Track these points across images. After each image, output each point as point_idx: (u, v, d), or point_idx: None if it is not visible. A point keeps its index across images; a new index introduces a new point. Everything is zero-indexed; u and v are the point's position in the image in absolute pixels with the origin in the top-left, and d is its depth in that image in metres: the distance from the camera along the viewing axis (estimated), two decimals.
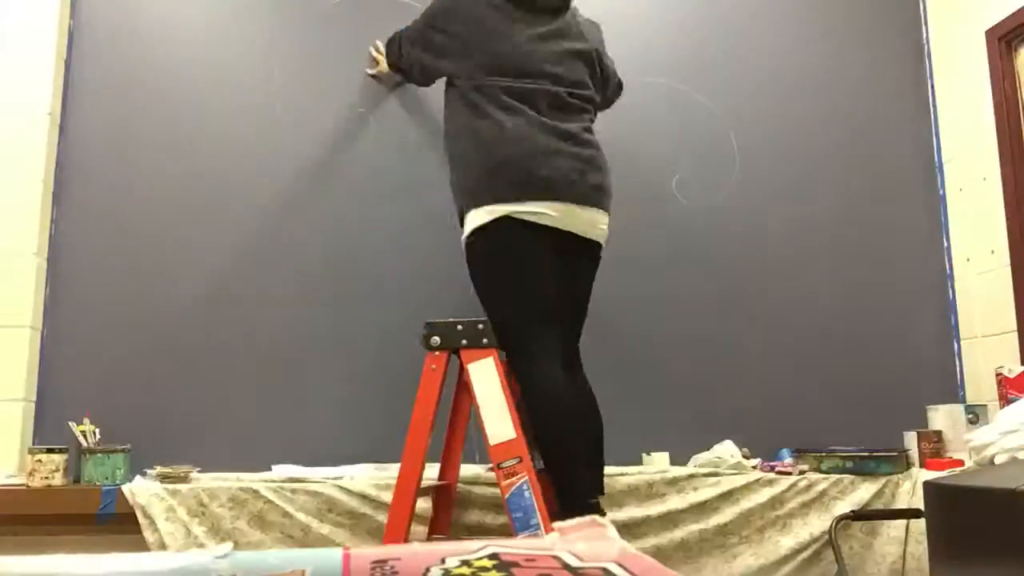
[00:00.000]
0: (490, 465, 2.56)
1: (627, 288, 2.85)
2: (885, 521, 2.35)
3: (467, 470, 2.45)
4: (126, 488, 2.19)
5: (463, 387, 2.17)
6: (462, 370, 2.02)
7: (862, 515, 2.34)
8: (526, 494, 1.79)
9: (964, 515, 1.63)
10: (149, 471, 2.31)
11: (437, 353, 2.00)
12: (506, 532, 2.27)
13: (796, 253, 2.95)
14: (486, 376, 1.92)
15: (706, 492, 2.33)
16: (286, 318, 2.70)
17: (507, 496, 1.83)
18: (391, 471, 2.39)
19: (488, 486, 2.30)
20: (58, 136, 2.72)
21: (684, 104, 3.00)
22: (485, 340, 1.95)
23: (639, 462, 2.62)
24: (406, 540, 2.00)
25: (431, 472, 2.24)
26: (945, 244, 3.03)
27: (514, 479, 1.81)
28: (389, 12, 2.89)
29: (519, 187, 2.02)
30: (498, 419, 1.88)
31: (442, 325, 2.01)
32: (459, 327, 1.98)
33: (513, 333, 2.02)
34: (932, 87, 3.13)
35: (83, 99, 2.76)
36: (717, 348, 2.86)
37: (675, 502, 2.32)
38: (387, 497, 2.21)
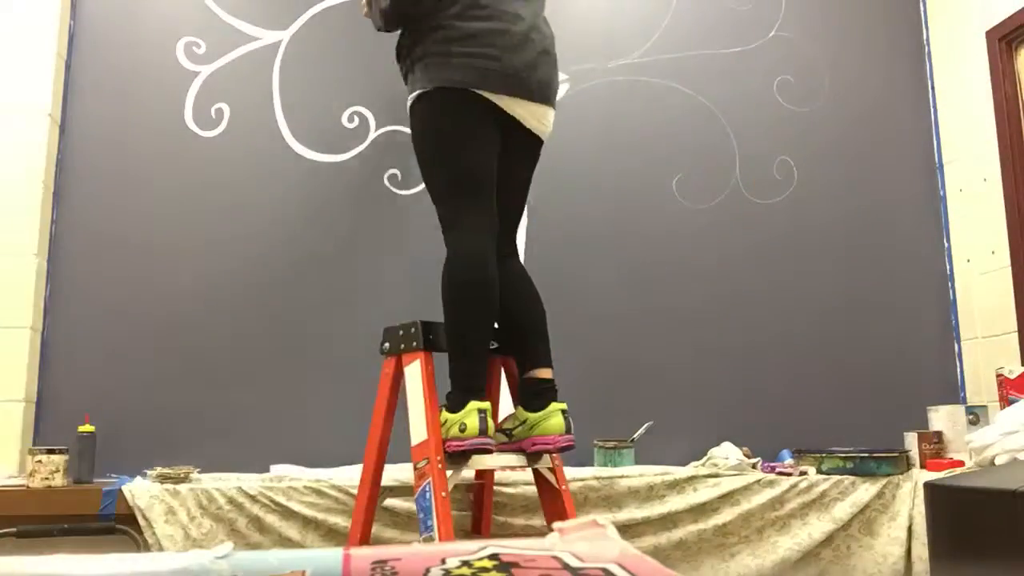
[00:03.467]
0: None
1: (627, 288, 2.85)
2: (886, 521, 2.35)
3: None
4: (126, 489, 2.19)
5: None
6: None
7: None
8: (427, 495, 1.78)
9: (964, 515, 1.63)
10: (148, 471, 2.31)
11: (387, 358, 2.03)
12: (506, 532, 2.27)
13: (796, 254, 2.95)
14: (414, 377, 1.92)
15: (706, 493, 2.33)
16: (286, 318, 2.71)
17: (416, 496, 1.83)
18: (390, 472, 2.40)
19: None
20: (58, 136, 2.72)
21: (684, 104, 3.00)
22: (415, 343, 1.95)
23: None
24: (367, 539, 2.00)
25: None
26: (946, 245, 3.03)
27: (422, 481, 1.80)
28: None
29: None
30: (418, 420, 1.87)
31: (391, 330, 2.03)
32: (400, 332, 2.00)
33: None
34: (932, 87, 3.13)
35: (83, 99, 2.76)
36: (717, 348, 2.86)
37: (675, 503, 2.32)
38: (385, 498, 2.21)
